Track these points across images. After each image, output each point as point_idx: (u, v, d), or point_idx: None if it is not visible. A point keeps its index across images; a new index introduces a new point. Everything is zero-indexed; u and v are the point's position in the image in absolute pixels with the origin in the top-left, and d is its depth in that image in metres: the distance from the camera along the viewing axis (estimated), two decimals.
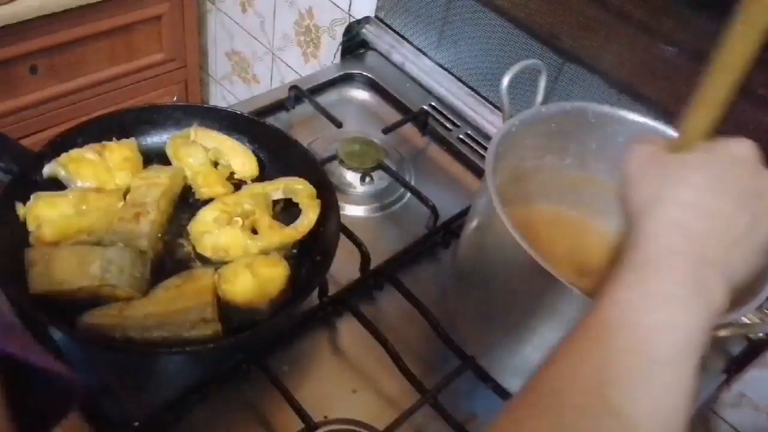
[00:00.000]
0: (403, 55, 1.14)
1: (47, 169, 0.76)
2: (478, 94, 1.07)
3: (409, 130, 1.05)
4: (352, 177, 0.94)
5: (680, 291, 0.39)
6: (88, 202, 0.74)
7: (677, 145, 0.47)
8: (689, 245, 0.41)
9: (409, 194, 0.93)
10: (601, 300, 0.41)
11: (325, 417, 0.68)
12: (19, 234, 0.71)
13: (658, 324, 0.39)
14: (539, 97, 0.75)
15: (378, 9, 1.19)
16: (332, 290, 0.76)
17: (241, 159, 0.84)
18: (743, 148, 0.45)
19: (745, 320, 0.59)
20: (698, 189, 0.43)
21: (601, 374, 0.37)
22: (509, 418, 0.39)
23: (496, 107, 1.05)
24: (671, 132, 0.70)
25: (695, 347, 0.39)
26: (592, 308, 0.41)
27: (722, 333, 0.56)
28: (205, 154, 0.83)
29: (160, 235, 0.75)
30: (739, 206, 0.43)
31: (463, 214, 0.86)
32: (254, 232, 0.77)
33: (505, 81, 0.71)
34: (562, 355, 0.40)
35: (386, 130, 1.00)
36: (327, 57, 1.38)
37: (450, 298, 0.77)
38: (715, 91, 0.45)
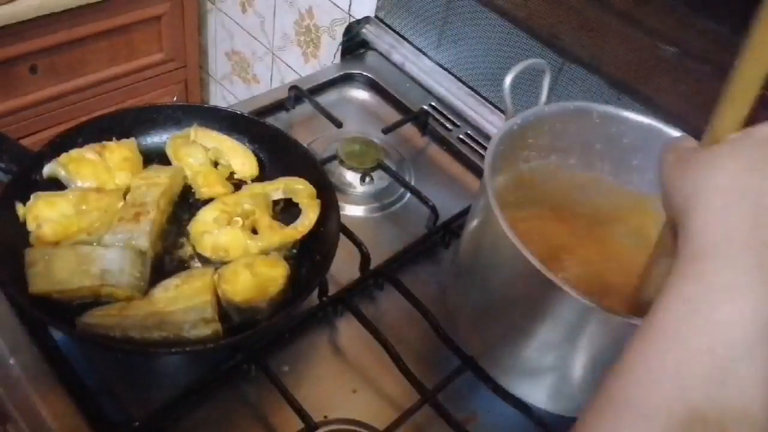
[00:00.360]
0: (403, 55, 1.14)
1: (47, 169, 0.76)
2: (478, 94, 1.07)
3: (409, 130, 1.05)
4: (352, 177, 0.94)
5: (742, 279, 0.38)
6: (88, 202, 0.74)
7: (706, 143, 0.47)
8: (740, 228, 0.40)
9: (409, 194, 0.93)
10: (662, 299, 0.40)
11: (325, 417, 0.68)
12: (19, 234, 0.71)
13: (726, 319, 0.37)
14: (543, 97, 0.74)
15: (378, 9, 1.19)
16: (332, 290, 0.76)
17: (241, 159, 0.84)
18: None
19: None
20: (734, 171, 0.42)
21: (679, 379, 0.37)
22: None
23: (496, 107, 1.05)
24: (676, 133, 0.70)
25: (765, 337, 0.37)
26: (657, 305, 0.40)
27: None
28: (205, 154, 0.83)
29: (160, 235, 0.75)
30: None
31: (463, 214, 0.86)
32: (254, 232, 0.77)
33: (508, 80, 0.70)
34: (635, 359, 0.39)
35: (386, 130, 1.00)
36: (327, 57, 1.38)
37: (450, 298, 0.77)
38: (743, 86, 0.45)
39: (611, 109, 0.72)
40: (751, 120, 0.46)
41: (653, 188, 0.64)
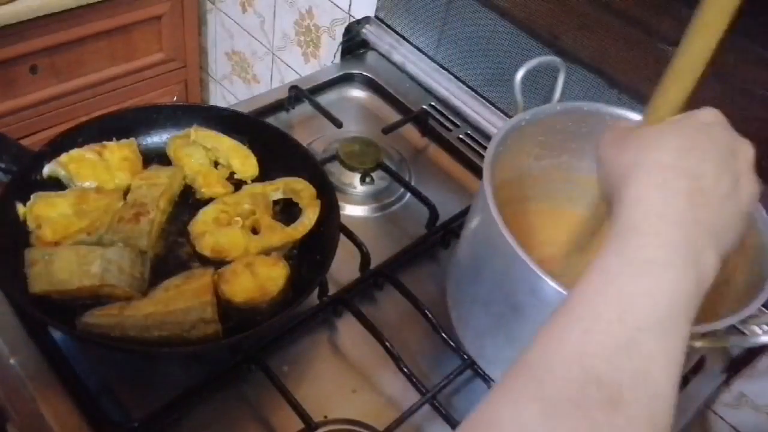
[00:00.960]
0: (403, 55, 1.14)
1: (47, 169, 0.76)
2: (478, 94, 1.07)
3: (409, 130, 1.05)
4: (352, 177, 0.94)
5: (664, 254, 0.38)
6: (88, 202, 0.74)
7: (646, 124, 0.47)
8: (674, 206, 0.40)
9: (409, 194, 0.93)
10: (587, 270, 0.40)
11: (325, 417, 0.68)
12: (19, 234, 0.71)
13: (641, 291, 0.38)
14: (557, 95, 0.74)
15: (378, 9, 1.19)
16: (332, 290, 0.76)
17: (241, 159, 0.84)
18: (710, 113, 0.45)
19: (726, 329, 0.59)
20: (676, 150, 0.42)
21: (583, 345, 0.37)
22: (490, 399, 0.38)
23: (496, 107, 1.05)
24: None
25: (682, 314, 0.38)
26: (579, 279, 0.40)
27: (698, 344, 0.56)
28: (205, 154, 0.83)
29: (160, 235, 0.75)
30: (719, 166, 0.42)
31: (463, 214, 0.86)
32: (254, 232, 0.77)
33: (519, 75, 0.70)
34: (546, 330, 0.39)
35: (386, 130, 1.00)
36: (327, 57, 1.38)
37: (450, 298, 0.77)
38: (686, 68, 0.45)
39: (623, 112, 0.72)
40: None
41: None
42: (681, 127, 0.44)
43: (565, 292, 0.55)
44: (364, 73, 1.12)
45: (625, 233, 0.40)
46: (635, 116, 0.71)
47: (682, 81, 0.46)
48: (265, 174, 0.84)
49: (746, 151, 0.44)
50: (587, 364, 0.36)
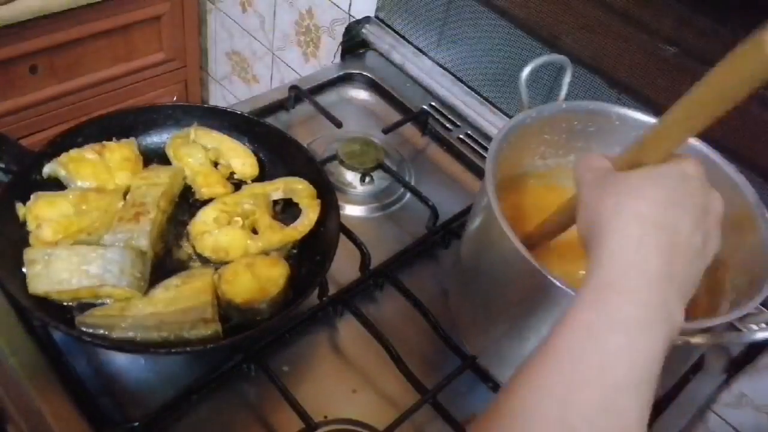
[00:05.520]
0: (403, 55, 1.14)
1: (47, 169, 0.76)
2: (478, 94, 1.07)
3: (409, 130, 1.05)
4: (352, 177, 0.94)
5: (642, 313, 0.39)
6: (88, 202, 0.74)
7: (628, 162, 0.46)
8: (651, 263, 0.40)
9: (409, 194, 0.93)
10: (564, 320, 0.40)
11: (325, 417, 0.68)
12: (19, 234, 0.71)
13: (619, 349, 0.38)
14: (562, 93, 0.74)
15: (378, 9, 1.19)
16: (332, 290, 0.76)
17: (241, 159, 0.84)
18: (692, 165, 0.44)
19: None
20: (655, 202, 0.42)
21: (564, 404, 0.38)
22: None
23: (496, 107, 1.05)
24: (700, 145, 0.67)
25: (654, 370, 0.39)
26: (557, 326, 0.41)
27: (695, 340, 0.56)
28: (205, 154, 0.83)
29: (160, 235, 0.75)
30: (694, 222, 0.42)
31: (463, 214, 0.86)
32: (254, 232, 0.77)
33: (525, 73, 0.70)
34: (528, 380, 0.40)
35: (386, 130, 1.00)
36: (327, 57, 1.38)
37: (451, 298, 0.77)
38: (688, 120, 0.44)
39: (630, 112, 0.71)
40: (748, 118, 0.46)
41: None
42: (663, 177, 0.43)
43: (564, 288, 0.55)
44: (364, 73, 1.12)
45: (604, 288, 0.40)
46: (639, 116, 0.71)
47: (679, 132, 0.44)
48: (265, 174, 0.85)
49: (717, 207, 0.45)
50: (569, 423, 0.37)
